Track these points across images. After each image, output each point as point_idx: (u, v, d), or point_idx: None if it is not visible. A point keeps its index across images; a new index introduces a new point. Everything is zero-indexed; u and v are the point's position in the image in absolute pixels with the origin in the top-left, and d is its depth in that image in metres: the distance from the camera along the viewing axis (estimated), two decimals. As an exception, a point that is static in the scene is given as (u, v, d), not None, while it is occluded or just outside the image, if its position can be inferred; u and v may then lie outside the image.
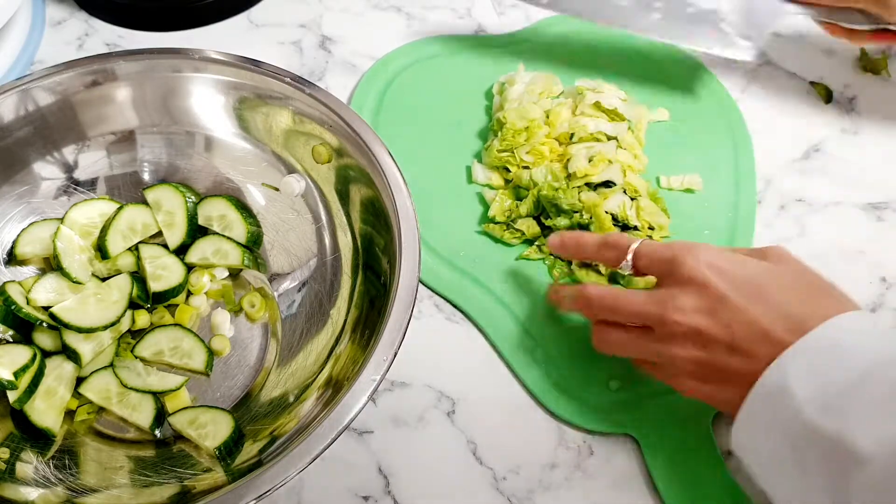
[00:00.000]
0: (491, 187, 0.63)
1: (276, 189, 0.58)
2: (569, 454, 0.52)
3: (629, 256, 0.50)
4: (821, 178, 0.67)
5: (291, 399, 0.51)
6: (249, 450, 0.48)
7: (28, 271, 0.55)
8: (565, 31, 0.75)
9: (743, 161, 0.66)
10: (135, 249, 0.55)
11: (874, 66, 0.73)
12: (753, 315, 0.44)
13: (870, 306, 0.59)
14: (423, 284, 0.58)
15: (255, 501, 0.40)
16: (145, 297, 0.54)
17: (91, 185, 0.58)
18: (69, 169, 0.57)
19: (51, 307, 0.50)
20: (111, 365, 0.52)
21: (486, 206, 0.62)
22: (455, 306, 0.58)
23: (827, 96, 0.71)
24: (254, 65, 0.56)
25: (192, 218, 0.57)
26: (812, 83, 0.72)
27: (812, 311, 0.43)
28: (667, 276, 0.48)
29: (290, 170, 0.58)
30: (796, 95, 0.72)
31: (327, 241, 0.57)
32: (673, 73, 0.72)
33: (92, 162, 0.58)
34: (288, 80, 0.55)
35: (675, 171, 0.65)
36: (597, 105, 0.63)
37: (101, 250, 0.54)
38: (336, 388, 0.49)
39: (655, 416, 0.53)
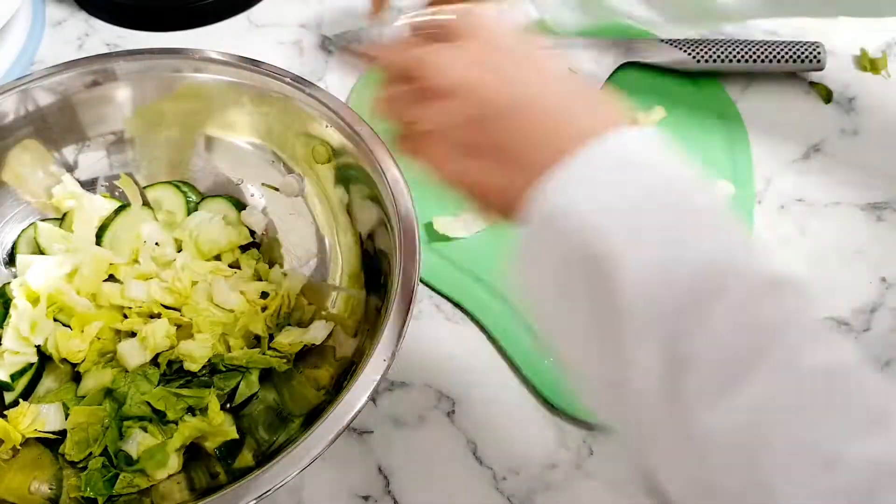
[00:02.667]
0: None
1: (276, 189, 0.58)
2: (569, 454, 0.52)
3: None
4: (821, 178, 0.67)
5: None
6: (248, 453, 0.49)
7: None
8: None
9: (740, 159, 0.66)
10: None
11: (874, 65, 0.73)
12: (530, 68, 0.37)
13: (870, 306, 0.60)
14: (424, 284, 0.58)
15: (255, 501, 0.40)
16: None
17: (91, 185, 0.58)
18: (69, 169, 0.57)
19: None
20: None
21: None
22: (456, 304, 0.58)
23: (827, 96, 0.71)
24: (254, 65, 0.56)
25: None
26: (812, 83, 0.72)
27: (602, 112, 0.36)
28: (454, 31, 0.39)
29: (290, 170, 0.58)
30: (796, 95, 0.72)
31: (327, 241, 0.57)
32: (668, 71, 0.72)
33: (92, 162, 0.58)
34: (288, 80, 0.55)
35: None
36: None
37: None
38: (336, 387, 0.49)
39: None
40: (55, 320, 0.51)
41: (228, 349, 0.51)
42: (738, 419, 0.30)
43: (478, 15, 0.39)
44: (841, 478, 0.28)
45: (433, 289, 0.58)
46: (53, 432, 0.48)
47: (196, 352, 0.50)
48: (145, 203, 0.58)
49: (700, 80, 0.71)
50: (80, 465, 0.48)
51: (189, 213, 0.57)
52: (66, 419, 0.48)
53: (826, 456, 0.28)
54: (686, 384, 0.31)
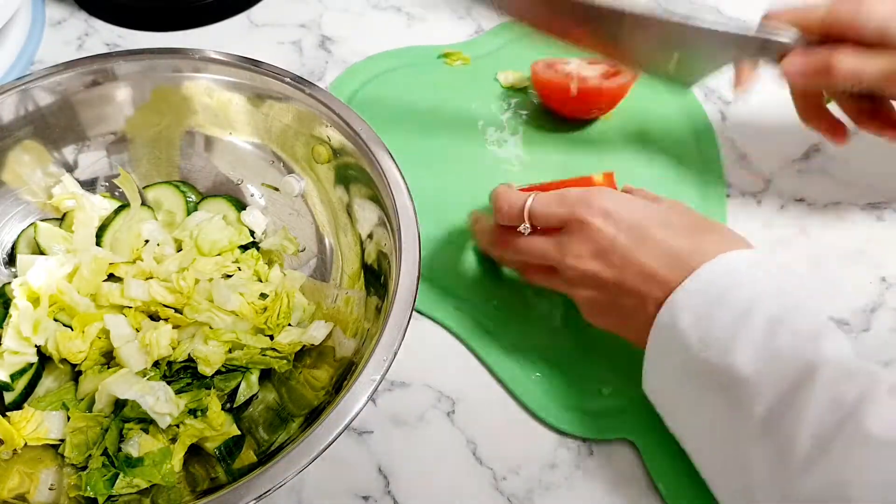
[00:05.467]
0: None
1: (276, 189, 0.58)
2: (568, 454, 0.52)
3: (525, 217, 0.51)
4: (821, 178, 0.67)
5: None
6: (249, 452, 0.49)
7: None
8: (528, 33, 0.74)
9: (707, 149, 0.67)
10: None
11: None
12: (639, 257, 0.47)
13: (870, 306, 0.60)
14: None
15: (255, 501, 0.40)
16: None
17: (91, 184, 0.58)
18: (69, 169, 0.57)
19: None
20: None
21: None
22: (441, 324, 0.57)
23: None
24: (254, 65, 0.56)
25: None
26: (812, 83, 0.72)
27: (695, 249, 0.46)
28: (565, 225, 0.50)
29: (290, 170, 0.58)
30: (796, 95, 0.72)
31: (327, 241, 0.57)
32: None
33: (92, 162, 0.58)
34: (288, 80, 0.55)
35: (642, 164, 0.66)
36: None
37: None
38: (336, 387, 0.49)
39: (651, 419, 0.53)
40: (55, 320, 0.51)
41: (230, 350, 0.51)
42: (827, 482, 0.38)
43: (584, 202, 0.49)
44: None
45: (421, 313, 0.58)
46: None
47: (212, 357, 0.50)
48: (145, 203, 0.58)
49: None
50: (81, 465, 0.48)
51: (189, 213, 0.57)
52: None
53: None
54: (790, 456, 0.39)
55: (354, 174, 0.54)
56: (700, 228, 0.48)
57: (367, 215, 0.54)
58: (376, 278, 0.52)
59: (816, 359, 0.40)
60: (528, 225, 0.51)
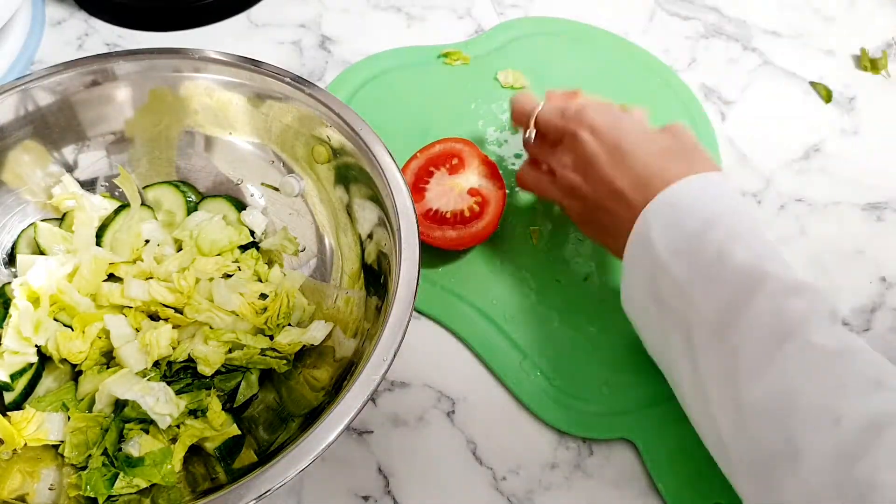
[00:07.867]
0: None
1: (276, 189, 0.58)
2: (568, 454, 0.52)
3: (531, 125, 0.56)
4: (821, 178, 0.67)
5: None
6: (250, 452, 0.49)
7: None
8: (527, 33, 0.75)
9: (706, 149, 0.67)
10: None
11: (874, 65, 0.73)
12: (613, 177, 0.50)
13: (870, 306, 0.60)
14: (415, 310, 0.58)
15: (255, 501, 0.40)
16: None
17: (91, 185, 0.58)
18: (69, 169, 0.57)
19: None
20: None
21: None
22: (441, 324, 0.57)
23: (827, 96, 0.71)
24: (254, 65, 0.56)
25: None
26: (812, 83, 0.72)
27: (661, 173, 0.48)
28: (563, 136, 0.54)
29: (290, 170, 0.58)
30: (796, 95, 0.72)
31: (327, 241, 0.57)
32: (630, 67, 0.73)
33: (92, 162, 0.58)
34: (288, 80, 0.55)
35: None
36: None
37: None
38: (336, 387, 0.49)
39: (650, 419, 0.53)
40: (55, 320, 0.51)
41: (230, 350, 0.51)
42: (773, 390, 0.39)
43: (578, 117, 0.52)
44: (845, 428, 0.36)
45: (421, 313, 0.58)
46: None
47: (211, 356, 0.50)
48: (145, 203, 0.58)
49: (661, 75, 0.72)
50: (80, 465, 0.48)
51: (189, 213, 0.57)
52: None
53: (834, 413, 0.37)
54: (737, 365, 0.41)
55: (354, 174, 0.54)
56: (676, 155, 0.50)
57: (367, 215, 0.54)
58: (376, 278, 0.52)
59: (765, 274, 0.42)
60: (533, 130, 0.55)
